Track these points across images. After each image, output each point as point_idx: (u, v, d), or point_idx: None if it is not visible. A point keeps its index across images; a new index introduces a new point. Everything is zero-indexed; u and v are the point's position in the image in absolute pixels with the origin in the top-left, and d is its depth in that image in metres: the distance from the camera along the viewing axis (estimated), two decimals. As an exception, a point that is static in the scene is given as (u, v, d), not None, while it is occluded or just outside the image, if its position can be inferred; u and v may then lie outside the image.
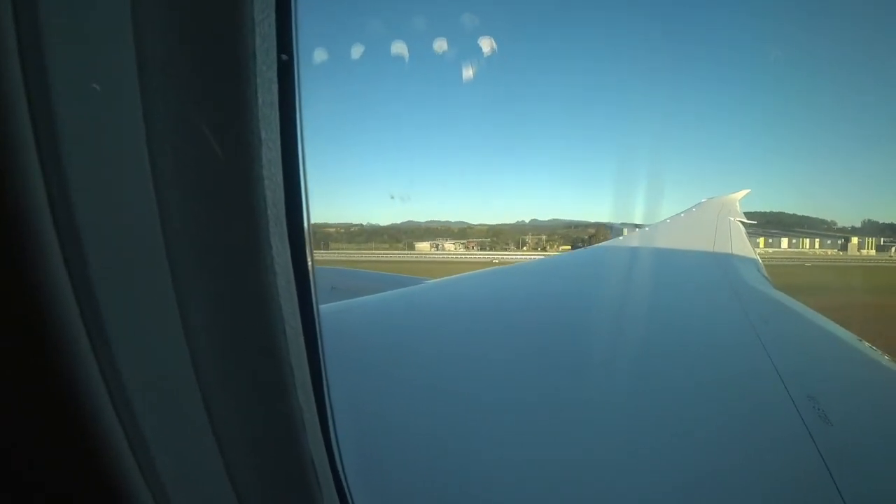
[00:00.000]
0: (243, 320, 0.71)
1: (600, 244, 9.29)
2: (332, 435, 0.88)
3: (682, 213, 12.74)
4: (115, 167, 0.59)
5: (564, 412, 1.95)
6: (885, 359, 2.75)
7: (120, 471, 0.58)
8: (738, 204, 12.95)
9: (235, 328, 0.71)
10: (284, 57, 0.69)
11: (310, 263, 0.79)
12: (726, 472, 1.58)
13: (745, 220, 11.14)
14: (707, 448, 1.72)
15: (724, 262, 6.54)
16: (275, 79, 0.68)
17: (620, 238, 10.15)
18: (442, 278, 5.61)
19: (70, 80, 0.53)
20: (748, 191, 15.06)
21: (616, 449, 1.70)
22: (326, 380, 0.85)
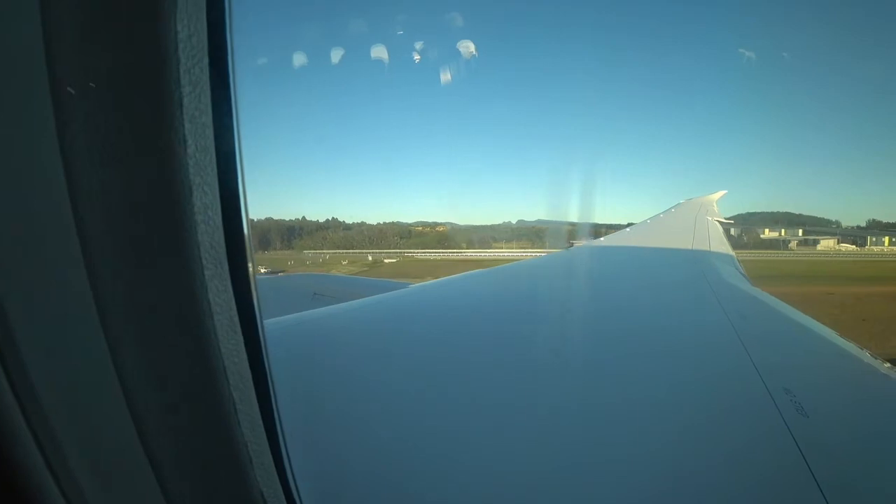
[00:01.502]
0: (181, 363, 0.68)
1: (581, 245, 9.39)
2: (288, 467, 0.84)
3: (661, 213, 13.00)
4: (32, 197, 0.56)
5: (542, 413, 1.94)
6: (859, 351, 2.82)
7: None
8: (715, 204, 13.26)
9: (173, 373, 0.67)
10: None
11: (255, 296, 0.75)
12: (706, 463, 1.60)
13: (722, 220, 11.43)
14: (687, 440, 1.74)
15: (702, 260, 6.68)
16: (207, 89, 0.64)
17: (602, 239, 10.29)
18: (421, 283, 5.61)
19: None
20: (725, 192, 15.44)
21: (594, 444, 1.70)
22: (277, 408, 0.82)
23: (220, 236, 0.67)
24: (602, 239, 10.25)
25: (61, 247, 0.57)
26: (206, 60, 0.61)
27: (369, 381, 2.16)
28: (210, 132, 0.64)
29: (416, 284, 5.75)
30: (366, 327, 3.12)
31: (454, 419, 1.86)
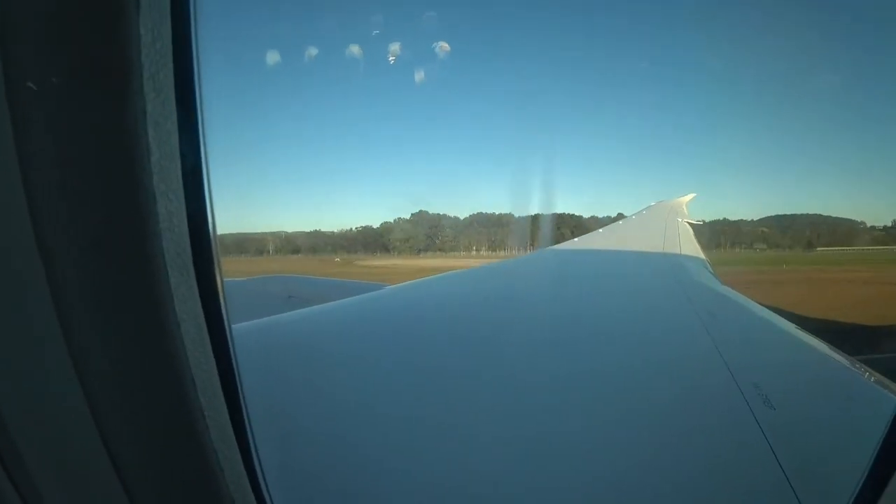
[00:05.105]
0: (146, 365, 0.66)
1: (550, 248, 9.50)
2: (260, 477, 0.83)
3: (633, 214, 13.30)
4: None
5: (517, 411, 1.97)
6: (823, 346, 2.95)
7: None
8: (685, 206, 13.64)
9: (138, 381, 0.66)
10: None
11: (223, 303, 0.74)
12: (678, 452, 1.68)
13: (692, 222, 11.77)
14: (662, 433, 1.81)
15: (673, 261, 6.86)
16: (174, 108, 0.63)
17: (576, 240, 10.46)
18: (397, 284, 5.59)
19: None
20: (694, 194, 15.88)
21: (568, 440, 1.74)
22: (248, 416, 0.81)
23: (185, 244, 0.65)
24: (576, 240, 10.42)
25: (23, 256, 0.56)
26: (170, 66, 0.60)
27: (345, 385, 2.14)
28: (175, 139, 0.63)
29: (391, 286, 5.73)
30: (341, 330, 3.10)
31: (429, 423, 1.87)
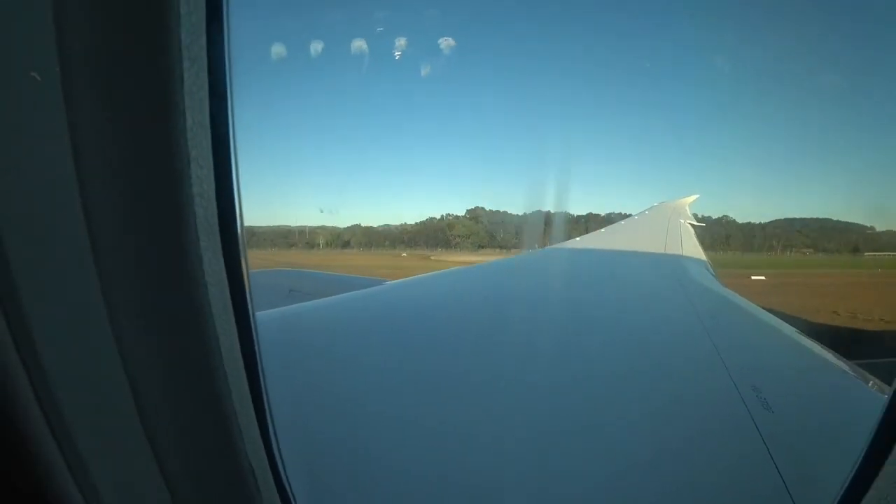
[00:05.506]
0: (176, 333, 0.70)
1: (553, 246, 9.52)
2: (273, 441, 0.87)
3: (635, 215, 13.31)
4: (41, 181, 0.58)
5: (521, 412, 1.99)
6: (822, 350, 2.97)
7: (53, 480, 0.57)
8: (687, 207, 13.63)
9: (168, 340, 0.70)
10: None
11: (245, 272, 0.78)
12: (680, 453, 1.70)
13: (694, 223, 11.78)
14: (663, 435, 1.84)
15: (674, 262, 6.88)
16: (206, 98, 0.66)
17: (578, 240, 10.48)
18: (398, 280, 5.62)
19: None
20: (697, 196, 15.87)
21: (570, 442, 1.76)
22: (265, 386, 0.84)
23: (213, 209, 0.69)
24: (578, 240, 10.44)
25: (76, 260, 0.59)
26: (203, 39, 0.64)
27: (345, 376, 2.18)
28: (206, 106, 0.66)
29: (391, 282, 5.76)
30: (342, 324, 3.12)
31: (424, 414, 1.91)
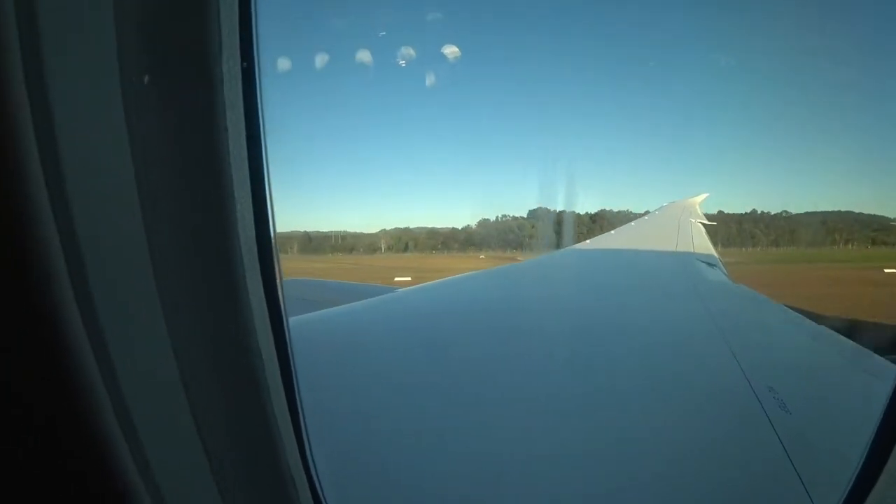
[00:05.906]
0: (224, 340, 0.75)
1: (571, 247, 9.55)
2: (305, 438, 0.91)
3: (646, 214, 13.29)
4: (105, 188, 0.62)
5: (541, 409, 2.01)
6: (841, 346, 2.92)
7: (121, 472, 0.60)
8: (698, 206, 13.59)
9: (216, 347, 0.75)
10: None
11: (278, 281, 0.81)
12: (696, 454, 1.69)
13: (705, 221, 11.75)
14: (679, 434, 1.83)
15: (686, 260, 6.85)
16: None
17: (589, 242, 10.52)
18: (408, 288, 5.64)
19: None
20: (707, 194, 15.81)
21: (585, 440, 1.77)
22: (298, 389, 0.88)
23: (250, 218, 0.75)
24: (588, 242, 10.46)
25: (132, 239, 0.64)
26: (237, 56, 0.68)
27: (357, 384, 2.20)
28: (242, 120, 0.71)
29: (402, 290, 5.79)
30: (354, 333, 3.15)
31: (435, 416, 1.93)
